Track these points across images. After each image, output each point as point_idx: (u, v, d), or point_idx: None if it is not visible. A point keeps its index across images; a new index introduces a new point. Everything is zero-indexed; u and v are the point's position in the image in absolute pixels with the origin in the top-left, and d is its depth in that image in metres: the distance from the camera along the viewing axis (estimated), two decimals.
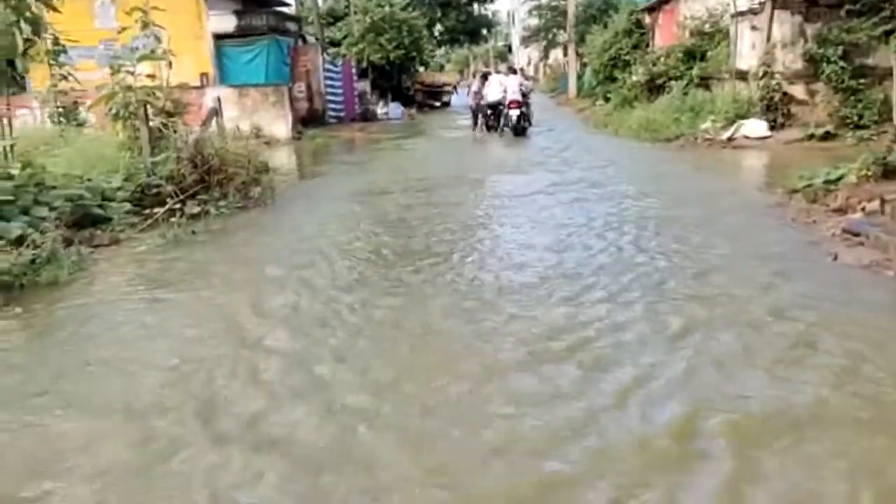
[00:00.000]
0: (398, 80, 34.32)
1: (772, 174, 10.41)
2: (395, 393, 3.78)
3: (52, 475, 3.12)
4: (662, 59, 18.14)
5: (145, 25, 10.45)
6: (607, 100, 23.80)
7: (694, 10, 17.84)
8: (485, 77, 19.73)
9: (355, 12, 30.15)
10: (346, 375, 4.03)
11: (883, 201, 6.33)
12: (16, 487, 3.05)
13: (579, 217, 7.84)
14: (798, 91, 12.99)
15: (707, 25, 17.41)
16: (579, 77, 31.91)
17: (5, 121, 8.16)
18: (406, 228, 7.77)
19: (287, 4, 26.21)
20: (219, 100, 13.45)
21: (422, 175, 12.14)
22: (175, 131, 10.15)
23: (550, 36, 41.39)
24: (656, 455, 3.08)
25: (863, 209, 6.60)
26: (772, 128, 12.88)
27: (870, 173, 7.40)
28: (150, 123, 10.11)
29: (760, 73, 12.99)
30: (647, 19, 22.94)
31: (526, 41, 47.60)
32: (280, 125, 19.69)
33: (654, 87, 18.61)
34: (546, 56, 50.01)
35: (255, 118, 19.65)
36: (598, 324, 4.60)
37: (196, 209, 8.78)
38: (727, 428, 3.23)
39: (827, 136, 12.23)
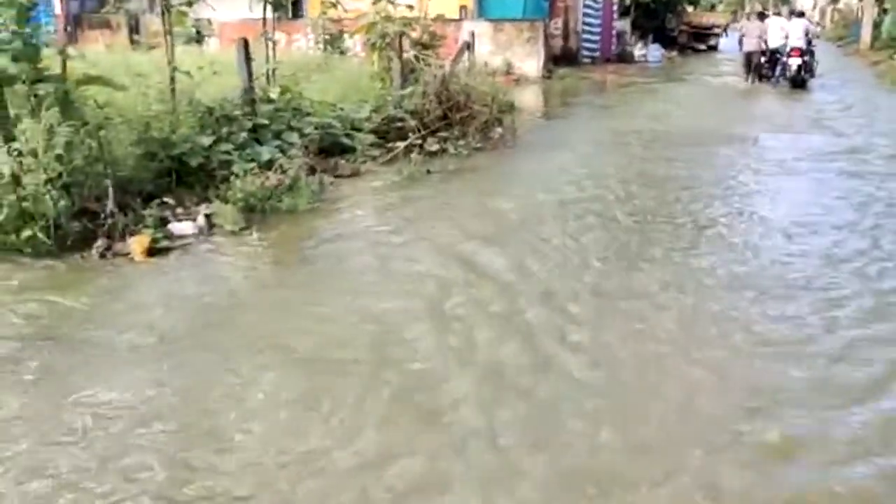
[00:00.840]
0: (662, 20, 32.05)
1: None
2: None
3: None
4: None
5: None
6: None
7: None
8: (761, 17, 17.51)
9: None
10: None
11: None
12: None
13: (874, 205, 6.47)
14: None
15: None
16: (876, 25, 27.47)
17: (270, 45, 8.44)
18: (647, 192, 6.99)
19: None
20: (472, 34, 13.24)
21: (673, 127, 11.04)
22: (428, 64, 10.08)
23: None
24: None
25: None
26: None
27: None
28: (404, 55, 10.12)
29: None
30: None
31: None
32: (531, 62, 19.15)
33: None
34: (836, 0, 43.87)
35: (508, 54, 19.29)
36: None
37: (435, 146, 8.66)
38: None
39: None
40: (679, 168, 7.96)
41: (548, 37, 21.65)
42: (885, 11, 28.50)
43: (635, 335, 3.83)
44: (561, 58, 21.93)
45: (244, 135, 6.99)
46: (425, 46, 10.73)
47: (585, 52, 22.96)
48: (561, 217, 6.01)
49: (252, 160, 6.67)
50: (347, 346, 3.71)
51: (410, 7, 10.52)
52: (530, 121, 12.01)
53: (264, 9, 8.32)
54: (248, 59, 7.49)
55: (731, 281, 4.57)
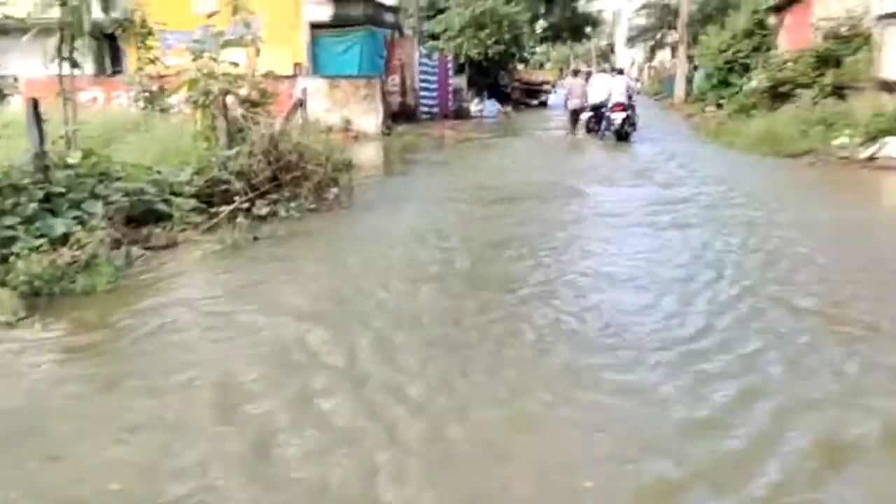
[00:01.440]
0: (495, 77, 33.30)
1: None
2: None
3: None
4: (790, 63, 16.33)
5: (235, 10, 9.93)
6: (720, 106, 22.10)
7: (830, 9, 15.97)
8: (575, 74, 18.45)
9: (457, 5, 29.26)
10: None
11: None
12: None
13: (699, 254, 6.59)
14: None
15: (844, 28, 15.54)
16: (688, 81, 29.99)
17: (70, 104, 7.54)
18: (484, 251, 6.77)
19: None
20: (304, 91, 12.81)
21: (510, 180, 11.12)
22: (257, 123, 9.48)
23: (658, 36, 39.29)
24: None
25: None
26: None
27: None
28: (232, 114, 9.48)
29: None
30: (772, 20, 21.04)
31: (631, 41, 45.49)
32: (370, 119, 19.01)
33: (777, 95, 16.84)
34: (652, 57, 47.79)
35: (346, 111, 19.06)
36: None
37: (265, 210, 8.07)
38: None
39: None
40: (513, 226, 7.84)
41: (385, 93, 21.66)
42: (696, 68, 31.21)
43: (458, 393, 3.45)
44: (400, 114, 22.00)
45: (33, 206, 6.08)
46: (255, 104, 10.12)
47: (424, 109, 23.21)
48: (391, 287, 5.59)
49: (42, 235, 5.79)
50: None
51: (236, 64, 9.92)
52: (369, 179, 11.68)
53: (59, 65, 7.42)
54: (38, 119, 6.59)
55: (568, 342, 4.32)
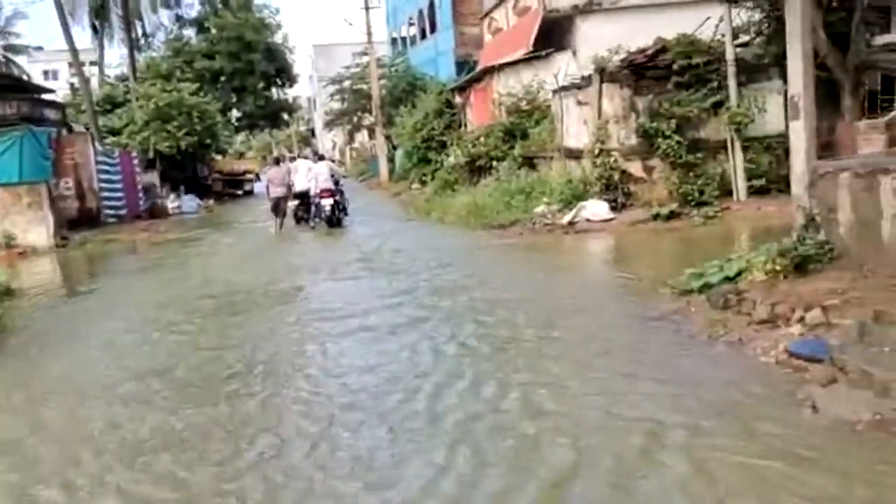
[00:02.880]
0: (193, 170, 31.16)
1: (638, 265, 9.01)
2: None
3: None
4: (482, 139, 16.98)
5: None
6: (423, 183, 22.56)
7: (509, 86, 16.96)
8: (277, 162, 17.21)
9: (137, 98, 26.89)
10: None
11: (878, 315, 4.75)
12: None
13: (430, 357, 5.75)
14: (635, 168, 12.05)
15: (524, 103, 16.54)
16: (390, 160, 30.67)
17: None
18: (182, 389, 5.29)
19: (50, 91, 22.56)
20: None
21: (219, 286, 9.62)
22: None
23: (356, 119, 40.05)
24: None
25: (801, 320, 5.10)
26: (612, 208, 11.78)
27: (779, 268, 6.04)
28: None
29: (596, 151, 11.90)
30: (458, 98, 22.10)
31: (330, 125, 45.96)
32: (38, 231, 16.09)
33: (474, 169, 17.40)
34: (352, 139, 48.77)
35: (7, 224, 15.95)
36: None
37: None
38: None
39: (672, 216, 11.26)
40: (228, 349, 6.42)
41: (58, 198, 18.74)
42: (394, 148, 32.02)
43: None
44: (79, 220, 19.12)
45: None
46: None
47: (109, 211, 20.50)
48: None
49: None
50: None
51: None
52: (36, 307, 9.41)
53: None
54: None
55: None
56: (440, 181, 18.29)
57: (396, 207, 19.96)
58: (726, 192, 11.82)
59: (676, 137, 11.63)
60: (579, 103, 12.96)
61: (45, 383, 5.89)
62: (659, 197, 11.83)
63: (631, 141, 12.04)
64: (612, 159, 11.86)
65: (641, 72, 12.01)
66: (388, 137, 31.12)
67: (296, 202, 16.30)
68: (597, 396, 4.54)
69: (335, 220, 15.42)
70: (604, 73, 12.00)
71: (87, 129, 22.14)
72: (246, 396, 5.12)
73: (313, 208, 15.78)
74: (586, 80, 12.65)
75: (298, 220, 16.36)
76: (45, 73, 60.08)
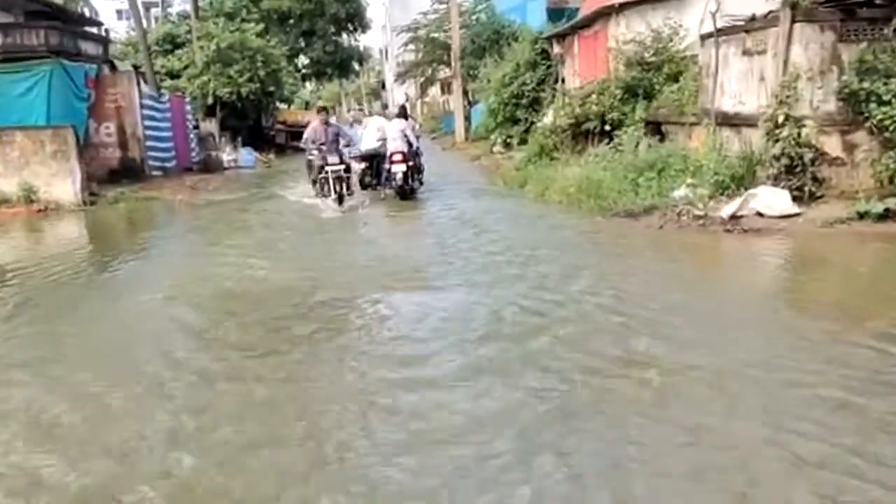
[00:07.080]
0: (256, 120, 28.70)
1: (866, 300, 5.78)
2: None
3: None
4: (593, 96, 13.68)
5: None
6: (507, 145, 19.46)
7: (633, 30, 13.57)
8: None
9: (198, 37, 24.33)
10: None
11: None
12: None
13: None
14: (832, 145, 8.71)
15: (650, 52, 13.18)
16: (466, 118, 27.54)
17: None
18: None
19: (95, 23, 20.16)
20: None
21: (252, 291, 6.84)
22: None
23: (430, 71, 36.81)
24: None
25: None
26: (795, 199, 8.51)
27: None
28: None
29: (779, 119, 8.58)
30: (556, 49, 18.74)
31: (402, 77, 42.83)
32: (64, 184, 13.76)
33: (578, 134, 14.20)
34: (423, 94, 45.54)
35: (27, 174, 13.65)
36: None
37: None
38: None
39: (887, 215, 7.95)
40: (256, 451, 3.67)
41: (93, 147, 16.43)
42: (471, 104, 28.86)
43: None
44: (121, 172, 16.81)
45: None
46: None
47: (155, 164, 18.12)
48: None
49: None
50: None
51: None
52: (23, 291, 6.94)
53: None
54: None
55: None
56: (535, 146, 15.11)
57: (479, 175, 16.90)
58: None
59: None
60: (746, 52, 9.60)
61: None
62: (862, 186, 8.51)
63: (829, 106, 8.68)
64: (801, 131, 8.51)
65: (852, 7, 8.57)
66: (465, 92, 27.96)
67: (363, 165, 13.51)
68: None
69: (408, 191, 12.59)
70: (796, 8, 8.58)
71: (137, 67, 19.62)
72: None
73: (383, 174, 12.97)
74: (763, 20, 9.26)
75: (365, 186, 13.56)
76: (119, 12, 58.41)
